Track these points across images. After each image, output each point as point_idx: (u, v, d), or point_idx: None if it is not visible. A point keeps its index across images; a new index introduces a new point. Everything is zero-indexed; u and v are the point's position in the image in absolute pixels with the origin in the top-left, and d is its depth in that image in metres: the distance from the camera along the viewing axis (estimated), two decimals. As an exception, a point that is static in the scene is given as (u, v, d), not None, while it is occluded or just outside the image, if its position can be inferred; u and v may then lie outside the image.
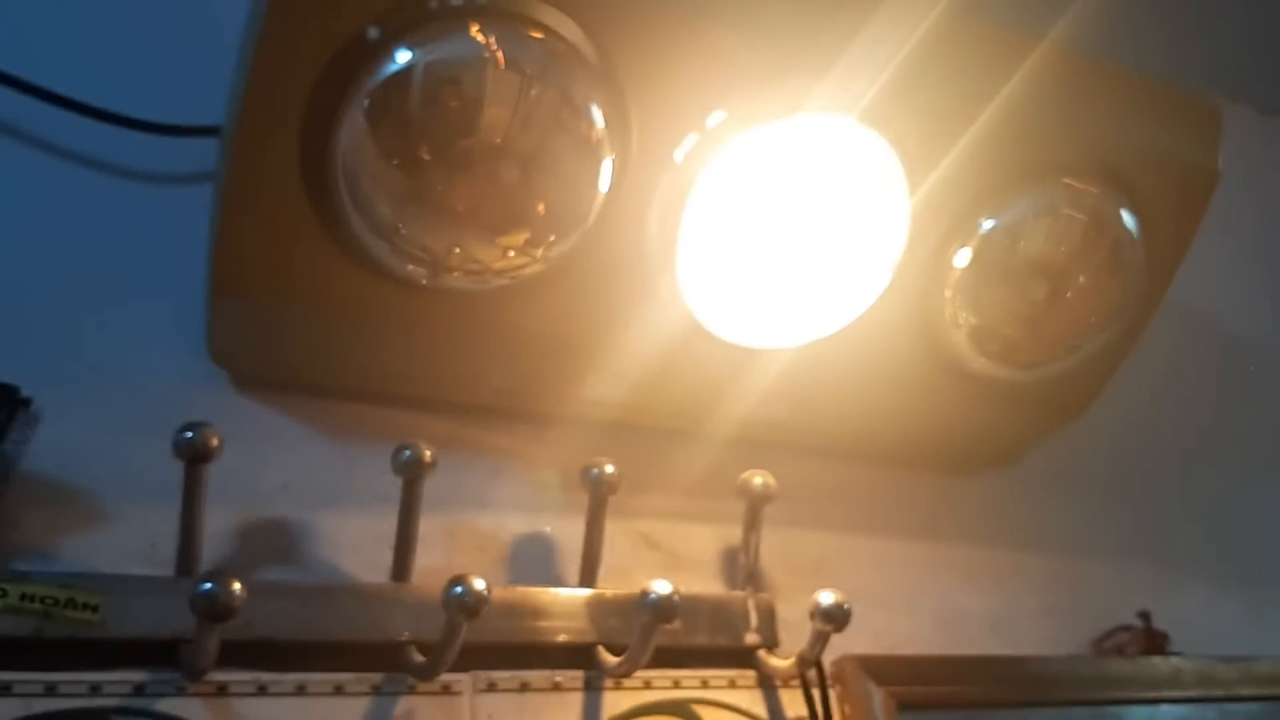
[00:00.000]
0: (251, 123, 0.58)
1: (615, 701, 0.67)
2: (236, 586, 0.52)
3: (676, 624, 0.66)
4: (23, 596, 0.55)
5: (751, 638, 0.72)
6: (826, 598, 0.67)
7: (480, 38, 0.59)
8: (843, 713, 0.72)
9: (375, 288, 0.64)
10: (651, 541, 0.77)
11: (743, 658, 0.72)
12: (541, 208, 0.63)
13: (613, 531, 0.73)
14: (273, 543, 0.65)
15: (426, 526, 0.66)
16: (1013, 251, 0.76)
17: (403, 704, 0.62)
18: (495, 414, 0.75)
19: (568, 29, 0.62)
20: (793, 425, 0.81)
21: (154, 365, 0.67)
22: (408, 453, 0.64)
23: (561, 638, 0.67)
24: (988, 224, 0.75)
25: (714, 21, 0.64)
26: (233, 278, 0.62)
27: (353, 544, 0.67)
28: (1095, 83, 0.76)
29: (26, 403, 0.60)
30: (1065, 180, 0.76)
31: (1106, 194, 0.77)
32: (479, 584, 0.56)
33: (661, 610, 0.61)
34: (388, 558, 0.65)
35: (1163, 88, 0.79)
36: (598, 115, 0.63)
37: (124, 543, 0.62)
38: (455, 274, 0.64)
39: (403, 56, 0.58)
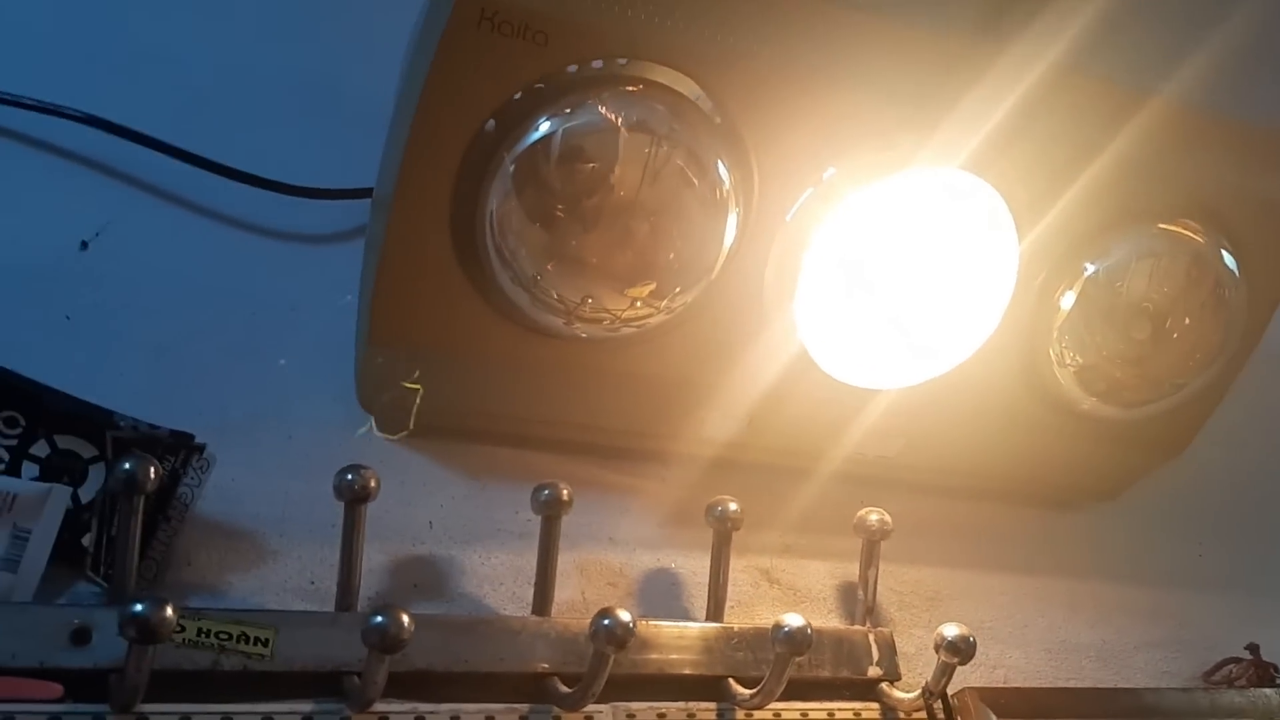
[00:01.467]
0: (409, 187, 0.62)
1: (747, 732, 0.69)
2: (405, 619, 0.54)
3: (804, 657, 0.68)
4: (199, 631, 0.57)
5: (874, 670, 0.74)
6: (951, 630, 0.68)
7: (610, 108, 0.63)
8: (964, 744, 0.73)
9: (514, 337, 0.68)
10: (771, 577, 0.79)
11: (865, 690, 0.74)
12: (669, 259, 0.66)
13: (733, 567, 0.75)
14: (420, 578, 0.68)
15: (559, 562, 0.68)
16: (1116, 293, 0.78)
17: (550, 733, 0.64)
18: (622, 454, 0.78)
19: (689, 89, 0.65)
20: (903, 462, 0.83)
21: (308, 413, 0.71)
22: (547, 492, 0.67)
23: (691, 670, 0.68)
24: (1090, 267, 0.78)
25: (829, 80, 0.67)
26: (387, 330, 0.66)
27: (495, 579, 0.70)
28: (1195, 129, 0.78)
29: (200, 448, 0.64)
30: (1166, 224, 0.78)
31: (1207, 235, 0.79)
32: (625, 616, 0.58)
33: (795, 643, 0.63)
34: (527, 592, 0.67)
35: (1260, 131, 0.81)
36: (723, 171, 0.66)
37: (285, 579, 0.65)
38: (587, 323, 0.67)
39: (543, 125, 0.62)
